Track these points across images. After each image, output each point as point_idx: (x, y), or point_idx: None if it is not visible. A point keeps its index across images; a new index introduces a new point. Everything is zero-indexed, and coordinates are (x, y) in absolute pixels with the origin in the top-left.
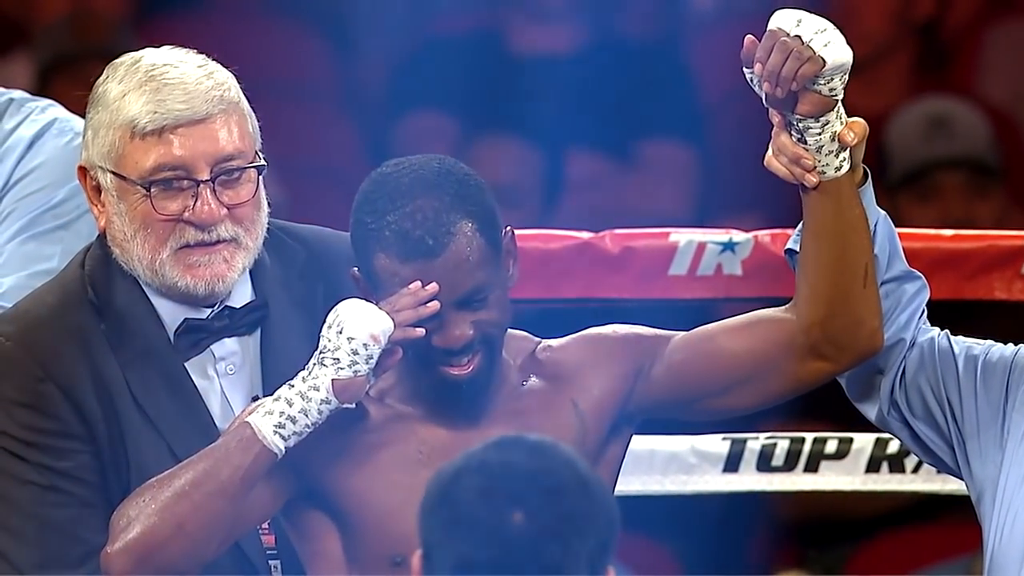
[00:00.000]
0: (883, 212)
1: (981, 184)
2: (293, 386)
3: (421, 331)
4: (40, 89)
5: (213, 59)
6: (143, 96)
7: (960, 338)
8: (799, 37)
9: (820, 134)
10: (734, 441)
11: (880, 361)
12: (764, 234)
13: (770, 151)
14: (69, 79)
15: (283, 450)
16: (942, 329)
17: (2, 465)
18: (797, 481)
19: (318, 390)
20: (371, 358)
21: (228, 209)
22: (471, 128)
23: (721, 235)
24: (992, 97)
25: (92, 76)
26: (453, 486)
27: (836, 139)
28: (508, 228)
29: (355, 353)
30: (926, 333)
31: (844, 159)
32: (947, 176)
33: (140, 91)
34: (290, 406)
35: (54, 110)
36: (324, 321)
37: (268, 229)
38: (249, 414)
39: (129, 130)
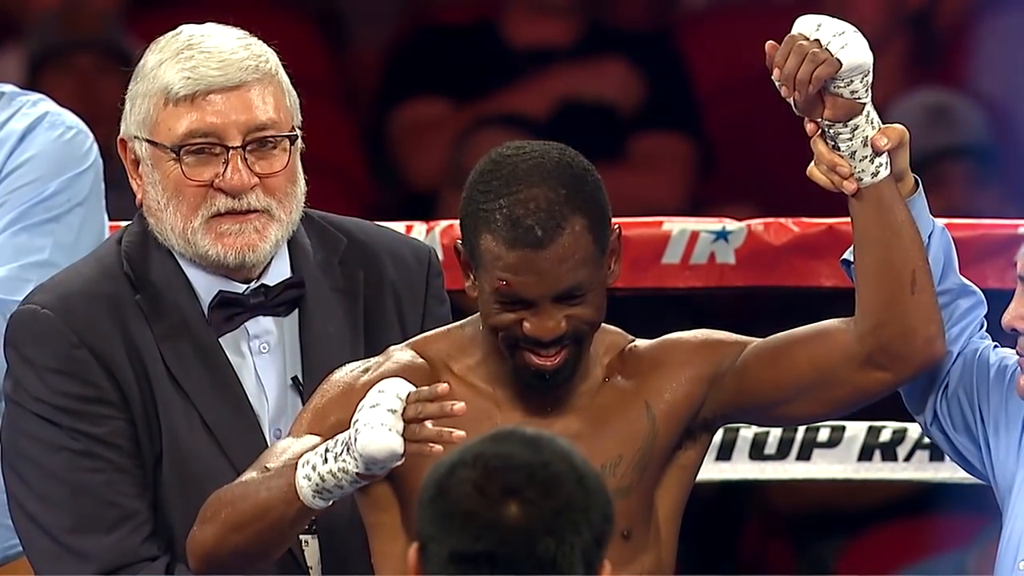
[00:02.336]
0: (941, 225)
1: (983, 174)
2: (327, 461)
3: (439, 448)
4: (31, 82)
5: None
6: (178, 63)
7: (1004, 350)
8: (818, 40)
9: (851, 139)
10: (727, 429)
11: (927, 373)
12: (757, 223)
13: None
14: (60, 72)
15: (327, 504)
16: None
17: (36, 432)
18: (790, 469)
19: (347, 473)
20: (382, 469)
21: (260, 179)
22: (467, 118)
23: (714, 224)
24: (985, 89)
25: (83, 69)
26: (449, 479)
27: (869, 144)
28: (617, 226)
29: (366, 467)
30: (973, 344)
31: (880, 164)
32: (950, 166)
33: (176, 59)
34: (323, 481)
35: (45, 104)
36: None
37: (310, 217)
38: (297, 462)
39: (163, 96)
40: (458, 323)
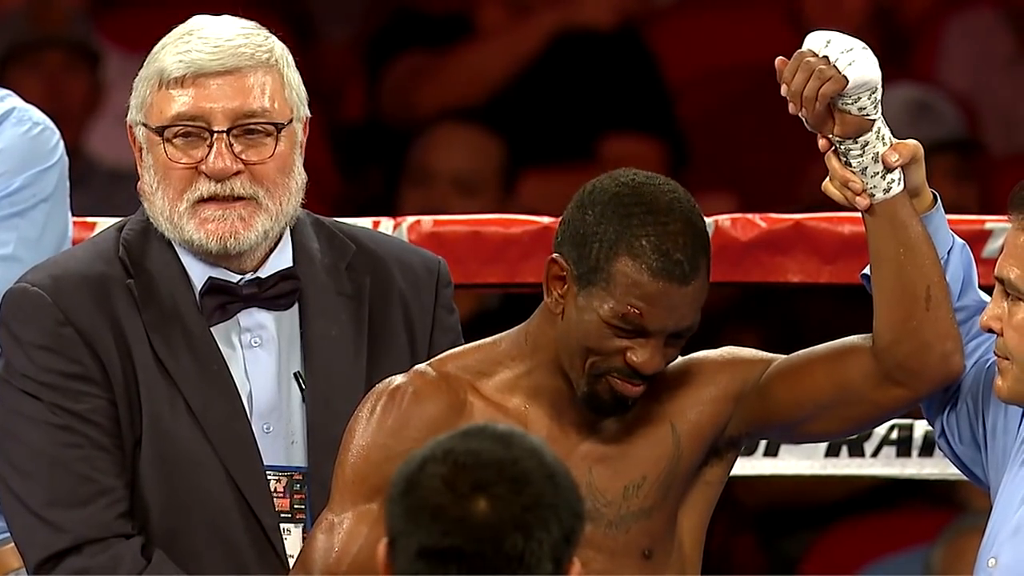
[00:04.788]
0: (962, 241)
1: (966, 167)
2: None
3: None
4: None
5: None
6: (176, 48)
7: None
8: (826, 57)
9: (862, 155)
10: None
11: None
12: (724, 219)
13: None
14: (27, 69)
15: None
16: None
17: (20, 407)
18: (757, 465)
19: None
20: None
21: (247, 166)
22: (446, 63)
23: None
24: (952, 84)
25: (50, 66)
26: (419, 474)
27: (880, 160)
28: None
29: None
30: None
31: (892, 181)
32: (936, 160)
33: (175, 44)
34: None
35: (11, 99)
36: None
37: (320, 222)
38: None
39: (158, 80)
40: (489, 339)
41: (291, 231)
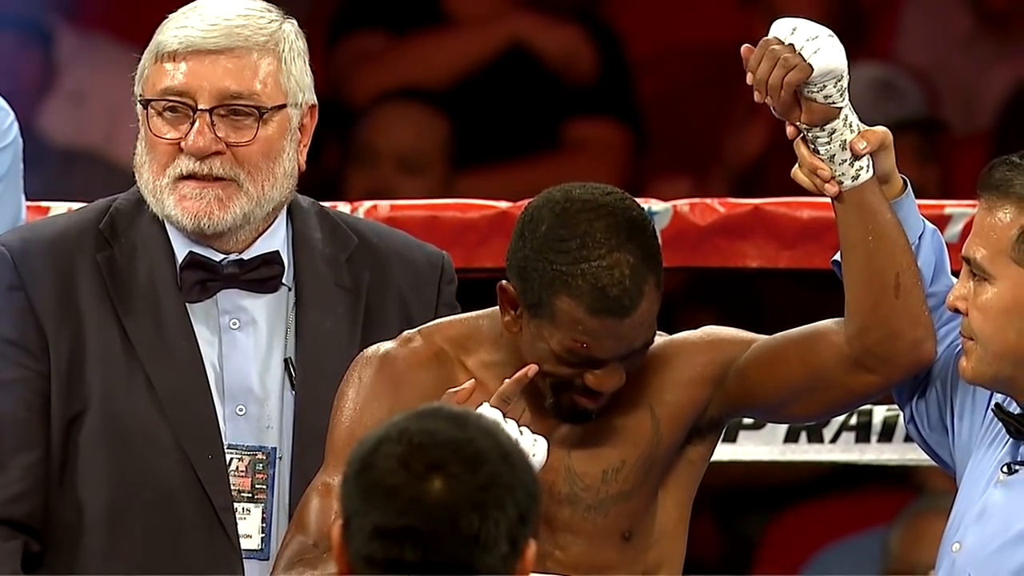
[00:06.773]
0: (933, 227)
1: (928, 147)
2: None
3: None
4: None
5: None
6: (176, 22)
7: None
8: (791, 45)
9: (829, 143)
10: None
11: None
12: (683, 203)
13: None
14: None
15: None
16: None
17: None
18: (715, 451)
19: None
20: None
21: (229, 147)
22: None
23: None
24: (910, 62)
25: (1, 44)
26: (374, 454)
27: (848, 148)
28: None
29: None
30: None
31: (861, 168)
32: (899, 141)
33: (177, 19)
34: None
35: None
36: None
37: (325, 213)
38: None
39: (155, 53)
40: (473, 315)
41: (292, 219)
